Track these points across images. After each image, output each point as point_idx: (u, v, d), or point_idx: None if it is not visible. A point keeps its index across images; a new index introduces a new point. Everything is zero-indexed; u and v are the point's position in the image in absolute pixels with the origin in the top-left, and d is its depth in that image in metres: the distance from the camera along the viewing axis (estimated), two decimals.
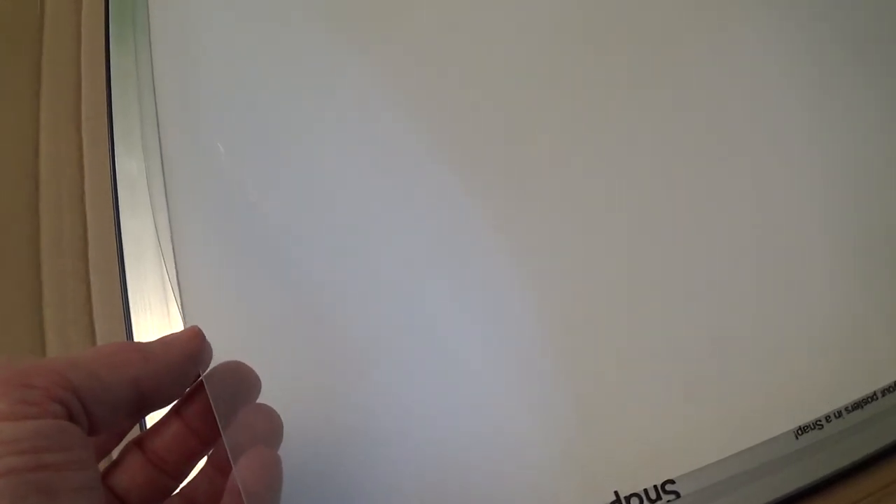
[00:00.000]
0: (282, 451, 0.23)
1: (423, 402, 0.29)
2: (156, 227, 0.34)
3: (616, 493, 0.27)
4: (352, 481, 0.27)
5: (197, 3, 0.40)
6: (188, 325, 0.24)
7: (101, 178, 0.36)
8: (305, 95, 0.37)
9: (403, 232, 0.33)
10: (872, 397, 0.28)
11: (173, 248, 0.33)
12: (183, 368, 0.21)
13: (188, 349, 0.21)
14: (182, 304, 0.31)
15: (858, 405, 0.28)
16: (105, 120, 0.37)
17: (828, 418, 0.28)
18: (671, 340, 0.30)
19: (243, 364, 0.23)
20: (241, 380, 0.23)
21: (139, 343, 0.21)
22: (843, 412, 0.28)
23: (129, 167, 0.35)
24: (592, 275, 0.31)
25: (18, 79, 0.39)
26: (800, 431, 0.28)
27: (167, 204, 0.34)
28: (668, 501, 0.26)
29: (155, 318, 0.32)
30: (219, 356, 0.23)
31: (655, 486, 0.27)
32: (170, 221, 0.33)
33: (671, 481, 0.27)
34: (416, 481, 0.27)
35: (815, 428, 0.28)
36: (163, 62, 0.38)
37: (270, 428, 0.23)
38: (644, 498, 0.26)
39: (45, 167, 0.36)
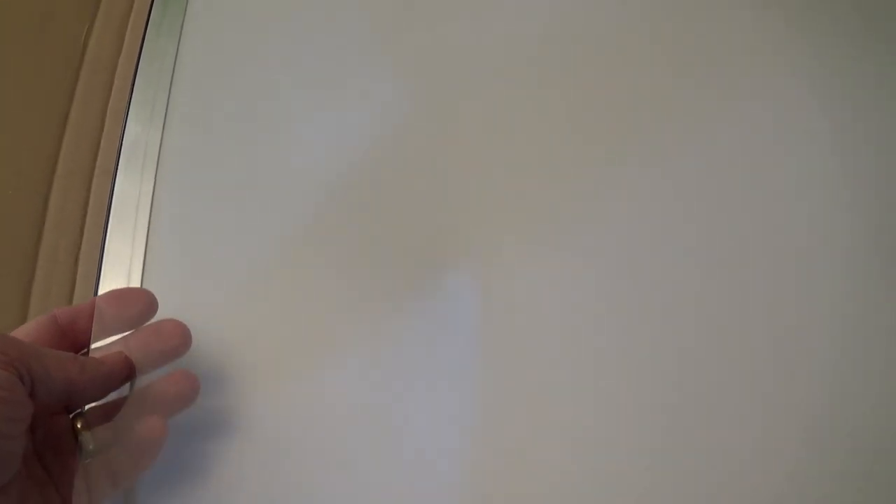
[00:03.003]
0: None
1: None
2: (139, 192, 0.36)
3: None
4: None
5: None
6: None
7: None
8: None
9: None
10: None
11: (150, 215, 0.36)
12: (105, 385, 0.27)
13: (113, 372, 0.27)
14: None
15: None
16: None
17: None
18: None
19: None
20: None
21: (83, 358, 0.27)
22: None
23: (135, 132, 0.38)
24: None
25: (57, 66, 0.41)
26: None
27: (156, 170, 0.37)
28: None
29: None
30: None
31: None
32: (155, 187, 0.36)
33: None
34: None
35: None
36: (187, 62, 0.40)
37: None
38: None
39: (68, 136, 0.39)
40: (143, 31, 0.42)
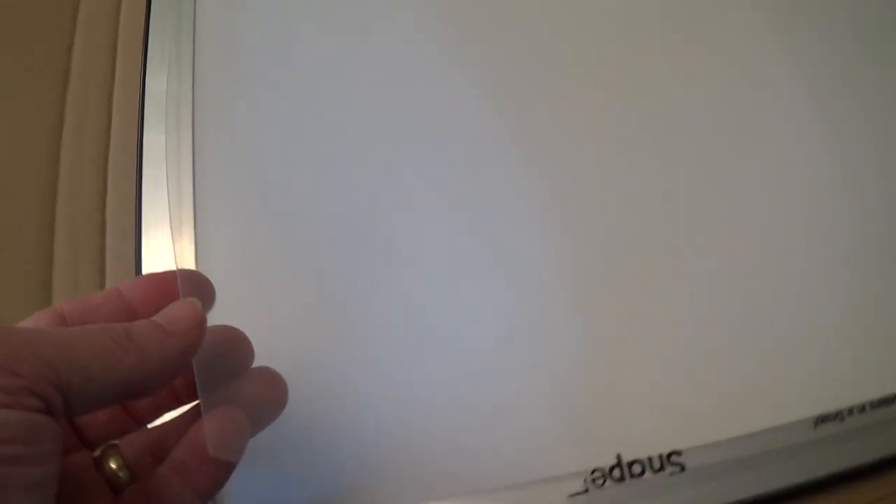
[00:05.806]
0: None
1: (430, 361, 0.29)
2: (178, 144, 0.33)
3: (619, 456, 0.26)
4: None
5: None
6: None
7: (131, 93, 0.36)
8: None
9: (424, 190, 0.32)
10: None
11: (193, 167, 0.33)
12: (177, 365, 0.20)
13: (186, 343, 0.19)
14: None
15: (884, 402, 0.27)
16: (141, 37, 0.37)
17: (850, 411, 0.27)
18: (695, 311, 0.29)
19: (237, 331, 0.22)
20: (232, 347, 0.22)
21: (135, 330, 0.19)
22: (867, 407, 0.27)
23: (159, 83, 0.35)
24: (612, 240, 0.31)
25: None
26: (819, 421, 0.26)
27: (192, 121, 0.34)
28: (672, 473, 0.26)
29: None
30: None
31: (661, 456, 0.26)
32: (193, 139, 0.33)
33: (678, 452, 0.26)
34: (422, 445, 0.27)
35: (835, 419, 0.26)
36: None
37: (267, 393, 0.22)
38: (647, 465, 0.26)
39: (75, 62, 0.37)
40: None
